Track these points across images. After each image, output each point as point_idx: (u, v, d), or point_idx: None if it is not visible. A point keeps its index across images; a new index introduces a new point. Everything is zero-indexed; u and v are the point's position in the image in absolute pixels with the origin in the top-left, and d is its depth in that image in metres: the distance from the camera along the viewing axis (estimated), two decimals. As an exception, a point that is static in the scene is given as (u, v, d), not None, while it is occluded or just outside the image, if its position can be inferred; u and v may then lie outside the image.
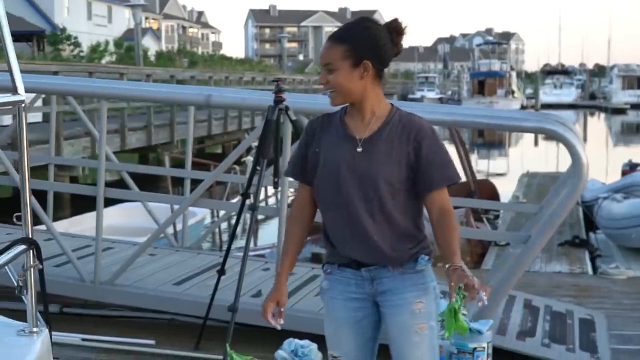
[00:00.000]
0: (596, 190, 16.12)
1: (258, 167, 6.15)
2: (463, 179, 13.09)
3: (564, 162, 6.17)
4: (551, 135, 6.22)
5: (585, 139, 37.62)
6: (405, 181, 3.57)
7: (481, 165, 31.83)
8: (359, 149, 3.56)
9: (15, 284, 2.98)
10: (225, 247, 13.63)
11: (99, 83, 7.58)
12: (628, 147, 44.49)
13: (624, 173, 17.61)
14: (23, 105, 2.91)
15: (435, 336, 3.69)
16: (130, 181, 8.59)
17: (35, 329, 3.00)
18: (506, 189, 19.07)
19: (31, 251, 2.96)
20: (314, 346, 6.33)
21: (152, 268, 7.95)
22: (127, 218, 12.73)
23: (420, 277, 3.66)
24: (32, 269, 2.98)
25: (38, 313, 3.06)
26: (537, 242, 6.33)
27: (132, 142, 21.64)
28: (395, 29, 3.61)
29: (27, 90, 2.83)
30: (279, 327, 3.74)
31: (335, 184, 3.58)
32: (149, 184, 15.55)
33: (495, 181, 19.72)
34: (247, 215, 6.81)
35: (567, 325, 7.31)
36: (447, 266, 3.44)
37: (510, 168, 31.52)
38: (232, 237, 6.43)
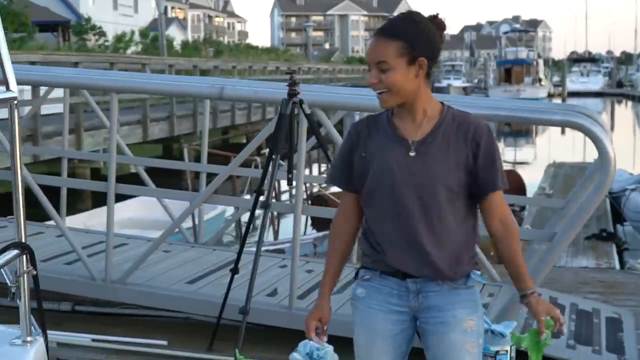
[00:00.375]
0: (624, 181, 15.76)
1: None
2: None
3: (592, 152, 5.92)
4: (577, 129, 5.94)
5: (612, 128, 37.50)
6: (464, 185, 3.34)
7: (507, 154, 31.54)
8: (412, 153, 3.32)
9: (10, 289, 2.84)
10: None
11: (108, 76, 7.33)
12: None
13: (651, 164, 17.23)
14: (15, 102, 2.81)
15: (481, 353, 3.49)
16: (144, 175, 8.38)
17: (29, 338, 2.86)
18: (532, 179, 18.74)
19: (24, 256, 2.83)
20: (330, 348, 6.06)
21: (165, 265, 7.73)
22: (146, 211, 12.54)
23: (471, 294, 3.44)
24: (25, 275, 2.84)
25: (33, 320, 2.92)
26: (563, 240, 6.06)
27: (155, 133, 21.45)
28: (438, 24, 3.38)
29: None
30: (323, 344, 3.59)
31: (389, 191, 3.33)
32: (172, 177, 15.36)
33: (521, 171, 19.44)
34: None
35: (593, 325, 7.03)
36: (527, 292, 3.33)
37: (537, 157, 31.18)
38: (246, 234, 6.21)
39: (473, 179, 3.33)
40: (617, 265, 10.57)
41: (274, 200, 15.09)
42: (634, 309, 7.76)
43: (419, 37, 3.27)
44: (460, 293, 3.39)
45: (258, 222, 15.64)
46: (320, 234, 11.50)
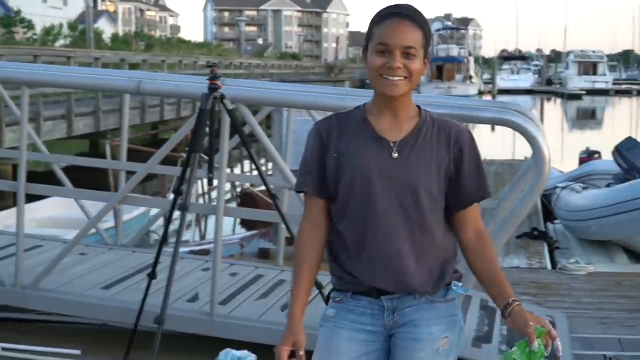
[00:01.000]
0: (554, 178, 15.64)
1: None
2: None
3: (522, 149, 5.69)
4: (512, 127, 5.66)
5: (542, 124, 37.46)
6: (444, 193, 3.06)
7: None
8: (395, 155, 3.01)
9: None
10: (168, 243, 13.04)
11: (20, 68, 6.89)
12: (584, 132, 44.45)
13: (581, 161, 17.15)
14: None
15: None
16: (60, 174, 7.94)
17: None
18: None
19: None
20: (253, 357, 5.78)
21: (81, 269, 7.32)
22: (68, 209, 12.00)
23: (450, 308, 3.12)
24: None
25: None
26: (495, 244, 5.77)
27: (80, 129, 20.91)
28: None
29: None
30: None
31: (367, 197, 3.01)
32: (98, 174, 14.80)
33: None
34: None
35: (526, 329, 6.78)
36: (510, 300, 2.95)
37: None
38: (164, 237, 5.81)
39: (453, 187, 3.06)
40: (549, 265, 10.38)
41: (198, 201, 14.74)
42: (567, 311, 7.56)
43: (430, 33, 3.06)
44: (438, 307, 3.09)
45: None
46: (249, 233, 11.12)
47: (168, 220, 5.80)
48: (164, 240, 5.80)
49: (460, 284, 3.15)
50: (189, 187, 5.35)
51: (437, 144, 3.04)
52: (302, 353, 3.00)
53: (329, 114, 3.30)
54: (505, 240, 5.92)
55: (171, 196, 8.04)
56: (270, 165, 16.35)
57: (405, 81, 2.97)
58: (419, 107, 3.12)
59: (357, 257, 3.05)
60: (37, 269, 6.90)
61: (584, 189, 13.01)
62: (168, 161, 8.21)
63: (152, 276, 5.90)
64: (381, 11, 3.06)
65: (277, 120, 9.48)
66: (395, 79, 2.96)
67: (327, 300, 3.25)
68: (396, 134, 3.04)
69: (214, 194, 19.00)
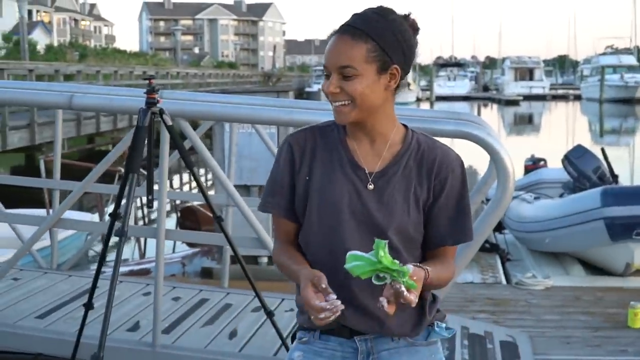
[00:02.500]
0: (501, 187, 15.41)
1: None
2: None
3: (479, 157, 5.36)
4: (473, 140, 5.29)
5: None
6: (422, 228, 2.64)
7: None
8: (370, 186, 2.60)
9: None
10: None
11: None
12: (522, 138, 44.62)
13: (526, 169, 16.92)
14: None
15: None
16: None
17: None
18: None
19: None
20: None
21: (14, 296, 6.81)
22: (2, 227, 11.44)
23: (432, 352, 2.74)
24: None
25: None
26: (458, 265, 5.38)
27: (14, 142, 20.19)
28: (411, 25, 2.63)
29: None
30: (340, 309, 2.41)
31: (334, 230, 2.60)
32: (36, 190, 14.19)
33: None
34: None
35: (487, 351, 6.42)
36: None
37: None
38: (101, 264, 5.32)
39: (430, 223, 2.64)
40: (504, 279, 10.06)
41: (137, 217, 14.18)
42: (528, 330, 7.22)
43: (395, 40, 2.56)
44: (418, 351, 2.71)
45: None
46: (190, 251, 10.63)
47: (104, 247, 5.32)
48: (99, 268, 5.33)
49: (444, 325, 2.76)
50: (126, 211, 4.88)
51: (418, 174, 2.64)
52: (324, 285, 2.44)
53: (273, 128, 2.87)
54: (467, 261, 5.56)
55: (109, 211, 7.59)
56: (210, 175, 15.85)
57: (350, 106, 2.55)
58: (406, 127, 2.71)
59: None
60: (-35, 297, 6.41)
61: (535, 198, 12.76)
62: (105, 174, 7.70)
63: (89, 306, 5.42)
64: None
65: (218, 133, 9.03)
66: (337, 104, 2.57)
67: (292, 338, 2.82)
68: (374, 162, 2.65)
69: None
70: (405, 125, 2.72)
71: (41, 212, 11.78)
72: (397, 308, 2.53)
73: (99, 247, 14.97)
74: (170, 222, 17.01)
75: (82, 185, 6.12)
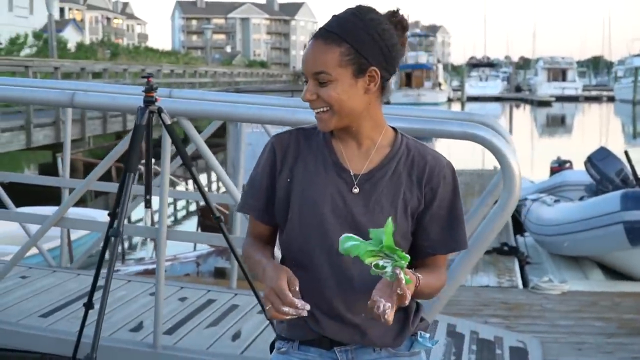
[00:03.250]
0: (524, 189, 15.28)
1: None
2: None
3: (491, 158, 5.27)
4: (478, 142, 5.19)
5: (510, 132, 37.68)
6: (409, 236, 2.55)
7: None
8: (355, 190, 2.51)
9: None
10: (124, 260, 12.45)
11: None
12: (554, 139, 44.31)
13: (552, 170, 16.77)
14: None
15: None
16: (0, 191, 7.42)
17: None
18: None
19: None
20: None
21: (20, 294, 6.80)
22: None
23: None
24: None
25: None
26: (462, 269, 5.30)
27: (40, 140, 20.24)
28: (400, 22, 2.54)
29: None
30: (307, 309, 2.34)
31: (316, 235, 2.51)
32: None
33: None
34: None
35: (496, 356, 6.32)
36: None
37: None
38: (100, 263, 5.27)
39: (417, 231, 2.55)
40: (520, 283, 9.91)
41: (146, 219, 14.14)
42: (540, 335, 7.09)
43: (372, 40, 2.46)
44: None
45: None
46: (205, 250, 10.60)
47: (104, 245, 5.27)
48: (99, 268, 5.28)
49: (427, 335, 2.67)
50: (121, 211, 4.83)
51: (408, 179, 2.54)
52: (297, 288, 2.37)
53: (286, 128, 2.79)
54: (471, 267, 5.43)
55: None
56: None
57: (329, 113, 2.47)
58: (395, 131, 2.62)
59: (306, 300, 2.54)
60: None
61: (555, 201, 12.61)
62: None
63: (89, 306, 5.37)
64: None
65: (232, 133, 8.98)
66: (316, 111, 2.49)
67: (270, 348, 2.75)
68: (361, 164, 2.55)
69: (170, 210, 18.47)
70: (394, 129, 2.64)
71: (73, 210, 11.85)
72: (395, 307, 2.48)
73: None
74: (193, 222, 17.05)
75: (85, 183, 6.08)
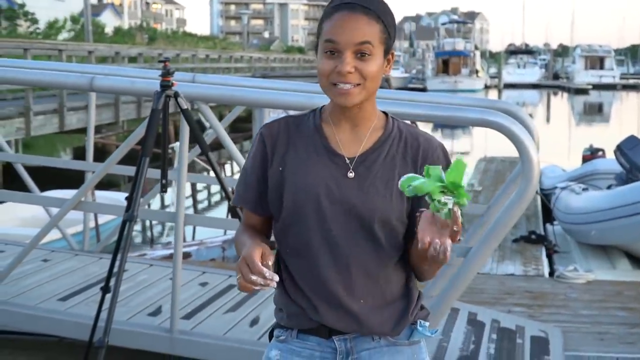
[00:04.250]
0: (555, 177, 15.16)
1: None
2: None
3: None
4: (496, 129, 5.12)
5: (548, 120, 37.38)
6: (405, 218, 2.49)
7: (445, 144, 30.77)
8: (350, 174, 2.46)
9: None
10: (154, 245, 12.46)
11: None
12: (590, 127, 43.91)
13: (584, 159, 16.56)
14: None
15: None
16: (25, 175, 7.45)
17: None
18: (468, 173, 17.94)
19: None
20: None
21: (40, 277, 6.82)
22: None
23: (415, 352, 2.60)
24: None
25: None
26: (479, 256, 5.23)
27: (73, 123, 20.26)
28: None
29: None
30: (275, 280, 2.28)
31: (312, 222, 2.46)
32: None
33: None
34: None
35: (516, 346, 6.25)
36: None
37: (473, 148, 30.57)
38: (117, 247, 5.26)
39: (412, 209, 2.49)
40: (546, 271, 9.80)
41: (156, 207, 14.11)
42: (562, 325, 7.03)
43: (394, 24, 2.45)
44: (400, 351, 2.57)
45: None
46: (231, 236, 10.57)
47: (121, 229, 5.25)
48: (116, 251, 5.27)
49: (427, 323, 2.61)
50: (137, 195, 4.82)
51: (402, 161, 2.49)
52: (270, 263, 2.31)
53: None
54: (489, 253, 5.37)
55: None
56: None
57: (359, 88, 2.40)
58: (386, 115, 2.57)
59: (304, 289, 2.51)
60: (-7, 277, 6.40)
61: (584, 189, 12.46)
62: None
63: (106, 289, 5.36)
64: (331, 1, 2.49)
65: (257, 118, 8.95)
66: (347, 86, 2.39)
67: (269, 336, 2.71)
68: (354, 148, 2.50)
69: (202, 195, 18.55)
70: (385, 113, 2.60)
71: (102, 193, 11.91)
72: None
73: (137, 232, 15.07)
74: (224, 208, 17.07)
75: (103, 167, 6.06)
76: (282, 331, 2.63)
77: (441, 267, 2.53)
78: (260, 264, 2.27)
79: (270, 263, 2.30)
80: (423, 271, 2.54)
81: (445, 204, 2.18)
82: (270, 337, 2.70)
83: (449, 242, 2.21)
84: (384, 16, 2.42)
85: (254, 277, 2.26)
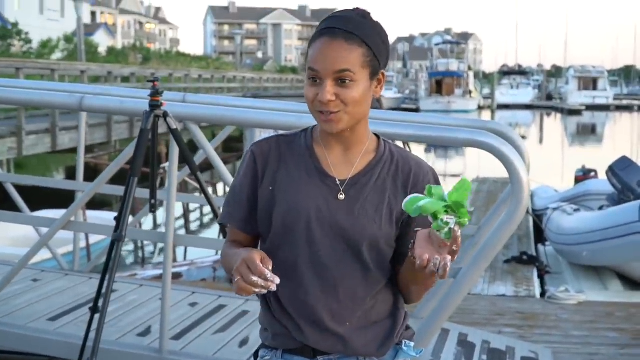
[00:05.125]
0: (548, 198, 15.22)
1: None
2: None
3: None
4: (486, 149, 5.13)
5: (541, 141, 37.42)
6: (393, 243, 2.51)
7: (437, 166, 30.85)
8: (341, 196, 2.46)
9: None
10: (145, 265, 12.47)
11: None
12: (583, 148, 44.00)
13: (577, 179, 16.64)
14: None
15: None
16: (14, 194, 7.44)
17: None
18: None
19: None
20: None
21: (30, 297, 6.79)
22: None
23: None
24: None
25: None
26: (469, 277, 5.24)
27: (65, 143, 20.31)
28: None
29: None
30: (276, 282, 2.27)
31: (301, 243, 2.46)
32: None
33: (449, 184, 18.77)
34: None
35: (506, 367, 6.25)
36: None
37: (467, 169, 30.63)
38: (106, 268, 5.25)
39: (402, 237, 2.51)
40: (538, 292, 9.82)
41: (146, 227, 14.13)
42: (553, 345, 7.02)
43: (382, 44, 2.44)
44: None
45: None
46: (222, 255, 10.57)
47: (110, 249, 5.25)
48: (105, 272, 5.26)
49: (412, 344, 2.62)
50: (125, 215, 4.82)
51: (393, 185, 2.50)
52: (270, 268, 2.28)
53: None
54: (479, 274, 5.37)
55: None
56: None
57: (342, 113, 2.40)
58: (378, 137, 2.58)
59: (290, 309, 2.52)
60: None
61: (576, 210, 12.50)
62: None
63: (94, 310, 5.35)
64: (319, 25, 2.49)
65: (248, 138, 8.96)
66: (330, 113, 2.40)
67: (254, 357, 2.71)
68: (346, 170, 2.50)
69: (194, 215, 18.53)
70: (377, 135, 2.60)
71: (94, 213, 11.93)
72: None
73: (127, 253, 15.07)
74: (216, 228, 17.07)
75: (93, 186, 6.06)
76: (267, 351, 2.63)
77: (429, 290, 2.55)
78: (261, 265, 2.25)
79: (269, 267, 2.28)
80: (411, 292, 2.55)
81: (447, 223, 2.19)
82: (256, 357, 2.70)
83: (448, 258, 2.21)
84: (368, 39, 2.41)
85: (254, 278, 2.24)
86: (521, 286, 9.99)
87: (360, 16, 2.45)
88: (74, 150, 21.89)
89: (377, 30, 2.45)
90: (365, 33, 2.42)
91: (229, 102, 6.76)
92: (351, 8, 2.50)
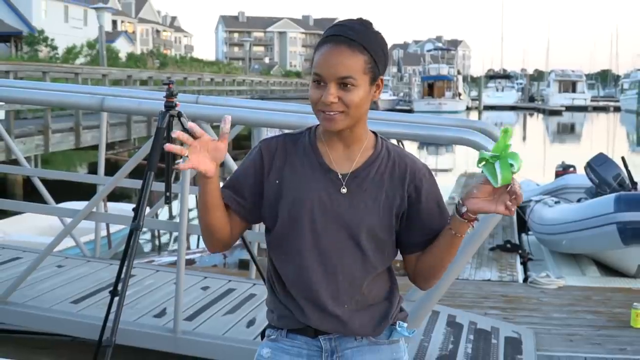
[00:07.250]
0: (530, 191, 15.17)
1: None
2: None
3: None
4: (471, 146, 5.13)
5: (524, 139, 37.34)
6: (392, 232, 2.50)
7: (429, 162, 30.82)
8: (343, 190, 2.46)
9: None
10: (161, 252, 12.44)
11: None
12: (563, 146, 43.97)
13: (557, 174, 16.58)
14: None
15: None
16: (40, 186, 7.43)
17: None
18: (447, 188, 17.99)
19: None
20: None
21: (54, 282, 6.80)
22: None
23: (394, 350, 2.60)
24: None
25: None
26: (457, 263, 5.24)
27: (88, 140, 20.30)
28: None
29: None
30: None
31: (306, 233, 2.46)
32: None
33: (440, 178, 18.74)
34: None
35: (491, 346, 6.24)
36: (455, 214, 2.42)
37: (456, 165, 30.58)
38: (125, 254, 5.24)
39: (405, 229, 2.52)
40: (521, 278, 9.81)
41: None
42: (534, 326, 7.01)
43: (382, 53, 2.43)
44: (381, 350, 2.57)
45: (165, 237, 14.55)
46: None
47: (128, 237, 5.24)
48: (124, 257, 5.26)
49: (405, 324, 2.61)
50: (142, 206, 4.81)
51: (390, 180, 2.49)
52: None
53: None
54: (467, 259, 5.40)
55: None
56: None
57: (343, 114, 2.39)
58: (376, 135, 2.57)
59: (294, 294, 2.51)
60: (10, 282, 6.38)
61: (556, 202, 12.48)
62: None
63: (114, 293, 5.35)
64: (325, 32, 2.49)
65: (256, 137, 8.96)
66: (332, 113, 2.40)
67: (262, 336, 2.71)
68: (346, 165, 2.49)
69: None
70: (374, 133, 2.60)
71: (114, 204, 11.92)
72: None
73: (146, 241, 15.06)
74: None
75: (113, 180, 6.07)
76: (273, 331, 2.63)
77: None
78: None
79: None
80: (436, 270, 2.53)
81: (512, 165, 2.25)
82: (263, 336, 2.70)
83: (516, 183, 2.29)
84: (369, 46, 2.40)
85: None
86: (505, 272, 9.98)
87: (363, 26, 2.44)
88: (95, 147, 21.93)
89: (378, 40, 2.45)
90: (367, 42, 2.41)
91: (238, 103, 6.75)
92: (355, 18, 2.50)
